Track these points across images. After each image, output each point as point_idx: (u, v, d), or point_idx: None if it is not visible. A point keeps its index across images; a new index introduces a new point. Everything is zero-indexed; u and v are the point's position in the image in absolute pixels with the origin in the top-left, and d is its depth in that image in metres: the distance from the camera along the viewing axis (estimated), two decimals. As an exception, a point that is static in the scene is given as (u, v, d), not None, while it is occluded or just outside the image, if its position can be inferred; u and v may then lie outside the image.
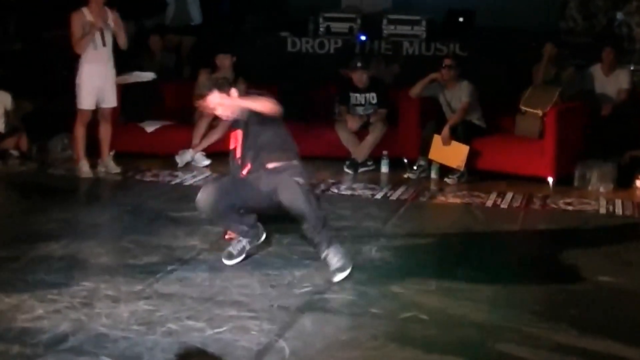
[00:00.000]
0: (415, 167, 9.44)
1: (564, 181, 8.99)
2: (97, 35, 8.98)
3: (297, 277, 5.78)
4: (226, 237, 6.36)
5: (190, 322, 4.93)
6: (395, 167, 9.67)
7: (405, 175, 9.39)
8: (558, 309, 5.33)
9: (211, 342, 4.66)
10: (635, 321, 5.22)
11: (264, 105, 5.76)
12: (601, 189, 8.80)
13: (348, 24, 12.31)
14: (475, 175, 9.21)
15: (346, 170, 9.64)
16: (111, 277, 5.69)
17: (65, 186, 8.96)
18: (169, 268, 5.92)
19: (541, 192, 8.66)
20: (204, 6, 12.84)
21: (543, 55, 10.29)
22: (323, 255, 5.80)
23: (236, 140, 6.06)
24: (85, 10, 8.98)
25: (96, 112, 9.25)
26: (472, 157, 9.14)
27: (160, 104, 10.64)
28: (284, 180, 5.75)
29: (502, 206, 8.20)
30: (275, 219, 6.73)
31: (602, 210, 8.06)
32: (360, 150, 9.69)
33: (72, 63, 9.17)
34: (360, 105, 10.00)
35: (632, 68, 10.87)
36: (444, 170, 9.29)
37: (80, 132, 9.23)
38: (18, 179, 9.31)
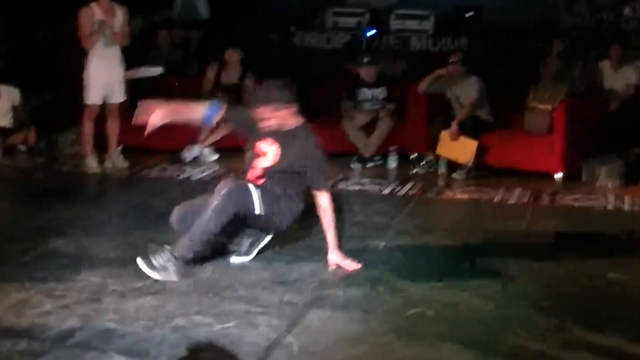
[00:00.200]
0: (423, 163, 9.43)
1: (572, 177, 8.98)
2: (107, 32, 9.00)
3: (305, 273, 5.77)
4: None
5: (198, 318, 4.92)
6: (403, 162, 9.67)
7: (413, 171, 9.39)
8: (567, 304, 5.30)
9: (219, 338, 4.64)
10: (644, 317, 5.20)
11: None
12: (609, 185, 8.78)
13: (356, 18, 12.30)
14: (483, 170, 9.20)
15: (353, 166, 9.62)
16: (118, 273, 5.68)
17: (72, 181, 8.97)
18: (177, 263, 5.91)
19: (549, 188, 8.64)
20: (211, 1, 12.83)
21: (551, 50, 10.27)
22: (169, 248, 5.61)
23: (262, 152, 5.97)
24: (94, 6, 8.99)
25: (104, 107, 9.27)
26: (480, 152, 9.13)
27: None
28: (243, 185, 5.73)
29: (510, 202, 8.19)
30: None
31: (610, 207, 8.05)
32: (367, 146, 9.68)
33: (79, 58, 9.17)
34: (368, 100, 9.99)
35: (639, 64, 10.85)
36: (452, 166, 9.28)
37: (88, 127, 9.25)
38: (26, 174, 9.32)
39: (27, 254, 6.05)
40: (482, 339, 4.70)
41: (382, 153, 9.70)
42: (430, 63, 10.08)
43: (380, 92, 9.98)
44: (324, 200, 5.85)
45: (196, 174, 9.13)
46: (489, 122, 9.44)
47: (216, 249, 5.98)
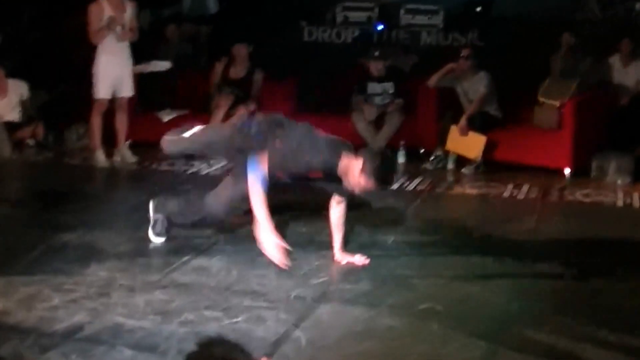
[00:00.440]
0: (432, 158, 9.42)
1: (581, 173, 8.95)
2: (117, 29, 9.01)
3: (313, 268, 5.76)
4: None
5: (206, 312, 4.91)
6: (412, 157, 9.66)
7: (422, 166, 9.37)
8: (576, 300, 5.29)
9: (228, 332, 4.64)
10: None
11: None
12: (618, 182, 8.75)
13: (366, 13, 12.28)
14: (492, 166, 9.18)
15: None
16: (127, 267, 5.69)
17: (81, 175, 8.98)
18: (185, 258, 5.91)
19: (558, 184, 8.62)
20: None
21: (561, 45, 10.23)
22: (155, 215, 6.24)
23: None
24: (103, 2, 8.99)
25: (112, 102, 9.27)
26: (489, 148, 9.12)
27: (176, 93, 10.65)
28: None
29: (519, 197, 8.17)
30: (292, 208, 6.74)
31: (620, 203, 8.02)
32: (377, 140, 9.66)
33: (88, 52, 9.18)
34: (378, 95, 9.97)
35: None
36: (461, 161, 9.26)
37: (96, 121, 9.26)
38: (34, 169, 9.34)
39: (36, 248, 6.05)
40: (492, 334, 4.69)
41: (392, 148, 9.68)
42: (440, 58, 10.05)
43: (389, 87, 9.95)
44: (342, 206, 5.88)
45: (204, 168, 9.12)
46: (497, 117, 9.42)
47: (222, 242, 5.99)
